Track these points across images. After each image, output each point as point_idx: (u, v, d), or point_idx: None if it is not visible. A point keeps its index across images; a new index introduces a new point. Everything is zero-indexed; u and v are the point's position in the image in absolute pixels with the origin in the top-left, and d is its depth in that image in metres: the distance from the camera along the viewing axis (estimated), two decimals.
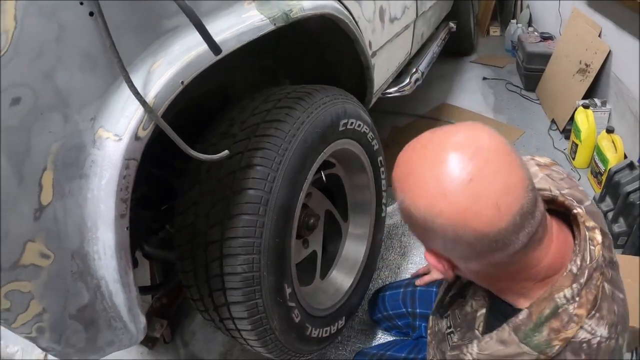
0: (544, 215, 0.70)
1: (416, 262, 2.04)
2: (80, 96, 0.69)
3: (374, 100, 1.78)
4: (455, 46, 3.90)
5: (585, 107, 2.63)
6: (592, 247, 0.74)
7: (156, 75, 0.77)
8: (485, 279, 0.81)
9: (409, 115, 3.32)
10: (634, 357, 1.69)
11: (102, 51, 0.70)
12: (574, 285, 0.72)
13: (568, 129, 2.85)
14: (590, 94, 2.91)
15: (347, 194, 1.61)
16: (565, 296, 0.72)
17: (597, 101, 2.75)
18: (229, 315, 1.07)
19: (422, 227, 0.69)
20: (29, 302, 0.68)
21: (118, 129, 0.73)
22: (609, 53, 2.74)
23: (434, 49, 2.60)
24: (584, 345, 0.72)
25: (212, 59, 0.83)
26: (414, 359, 1.40)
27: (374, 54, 1.58)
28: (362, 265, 1.62)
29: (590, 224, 0.77)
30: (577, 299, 0.71)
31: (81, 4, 0.66)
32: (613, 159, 2.31)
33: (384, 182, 1.66)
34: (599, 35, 2.85)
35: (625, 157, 2.36)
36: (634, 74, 2.45)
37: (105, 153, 0.72)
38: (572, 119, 2.81)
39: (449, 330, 1.00)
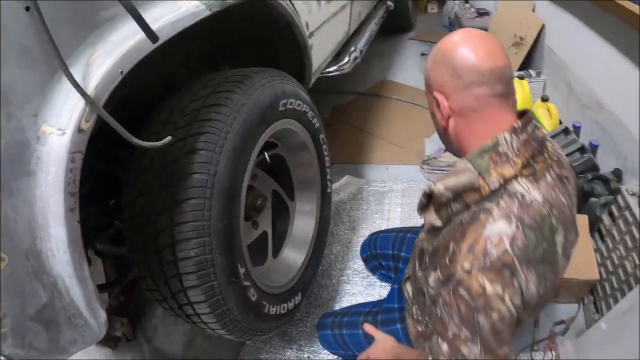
0: (514, 92, 0.94)
1: (364, 235, 2.09)
2: (21, 93, 0.68)
3: (313, 80, 1.80)
4: (393, 24, 3.95)
5: (521, 77, 2.75)
6: (537, 130, 0.93)
7: (95, 66, 0.76)
8: (458, 134, 0.98)
9: (350, 93, 3.35)
10: (580, 308, 1.85)
11: (40, 46, 0.69)
12: (514, 135, 0.90)
13: None
14: (525, 65, 3.07)
15: (292, 173, 1.64)
16: (505, 137, 0.89)
17: (532, 72, 2.89)
18: (187, 301, 1.08)
19: (439, 62, 0.95)
20: None
21: (61, 123, 0.72)
22: (543, 27, 2.90)
23: (372, 27, 2.64)
24: (519, 195, 0.87)
25: (150, 47, 0.83)
26: (377, 312, 1.48)
27: (311, 34, 1.60)
28: (313, 241, 1.66)
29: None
30: (514, 149, 0.89)
31: None
32: (549, 126, 2.46)
33: (327, 159, 1.69)
34: (533, 11, 3.00)
35: (560, 123, 2.52)
36: (566, 46, 2.62)
37: (50, 148, 0.72)
38: None
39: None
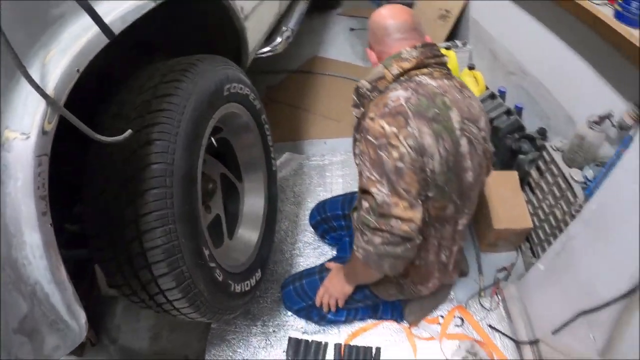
0: (419, 35, 1.31)
1: (309, 208, 2.15)
2: None
3: (249, 62, 1.81)
4: (322, 0, 3.94)
5: (448, 48, 2.86)
6: (437, 51, 1.29)
7: (52, 66, 0.75)
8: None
9: (283, 72, 3.33)
10: (519, 254, 2.02)
11: None
12: (414, 49, 1.24)
13: None
14: (452, 36, 3.16)
15: (238, 155, 1.67)
16: (406, 50, 1.24)
17: (459, 42, 2.98)
18: (159, 290, 1.09)
19: (372, 31, 1.34)
20: None
21: (24, 127, 0.70)
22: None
23: (302, 6, 2.63)
24: (416, 79, 1.22)
25: (103, 42, 0.82)
26: (331, 260, 1.67)
27: (246, 17, 1.60)
28: (264, 219, 1.71)
29: None
30: (414, 56, 1.23)
31: None
32: (476, 92, 2.59)
33: (269, 138, 1.73)
34: None
35: (487, 88, 2.66)
36: (490, 18, 2.75)
37: (16, 154, 0.70)
38: None
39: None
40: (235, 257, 1.51)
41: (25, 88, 0.70)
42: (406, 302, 1.71)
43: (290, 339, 1.70)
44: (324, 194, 2.28)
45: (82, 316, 0.84)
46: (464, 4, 3.01)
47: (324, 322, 1.71)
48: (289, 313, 1.78)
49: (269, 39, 2.07)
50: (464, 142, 1.22)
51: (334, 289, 1.56)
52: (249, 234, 1.66)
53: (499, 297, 1.83)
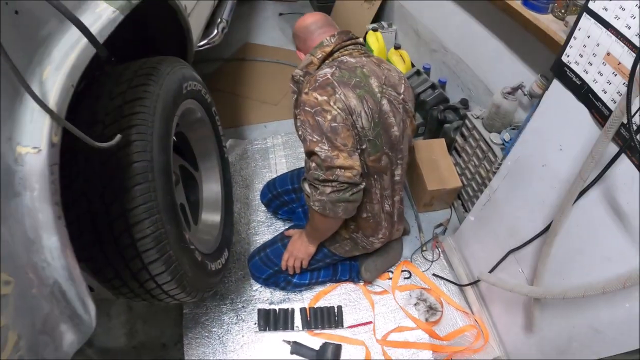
0: (331, 28, 1.54)
1: (259, 189, 2.25)
2: None
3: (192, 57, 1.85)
4: None
5: (375, 30, 2.97)
6: (354, 38, 1.53)
7: (50, 83, 0.80)
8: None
9: (216, 61, 3.31)
10: (452, 211, 2.22)
11: (3, 71, 0.70)
12: (332, 37, 1.49)
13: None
14: (377, 18, 3.26)
15: (193, 146, 1.73)
16: (327, 38, 1.48)
17: (384, 24, 3.10)
18: (149, 276, 1.16)
19: (297, 36, 1.57)
20: (7, 335, 0.67)
21: (34, 142, 0.75)
22: None
23: None
24: (338, 60, 1.46)
25: (89, 57, 0.88)
26: (289, 228, 1.84)
27: (189, 15, 1.64)
28: (223, 201, 1.79)
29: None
30: (329, 43, 1.47)
31: None
32: (403, 69, 2.75)
33: (220, 128, 1.80)
34: None
35: (413, 66, 2.81)
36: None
37: (30, 167, 0.74)
38: (364, 41, 3.09)
39: None
40: (205, 239, 1.60)
41: (29, 106, 0.75)
42: (362, 261, 1.88)
43: (259, 310, 1.81)
44: (269, 175, 2.38)
45: (93, 308, 0.89)
46: None
47: (290, 286, 1.84)
48: (255, 287, 1.89)
49: (205, 31, 2.10)
50: (384, 102, 1.44)
51: (298, 251, 1.70)
52: (212, 217, 1.74)
53: (439, 250, 2.04)
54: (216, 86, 2.97)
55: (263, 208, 2.19)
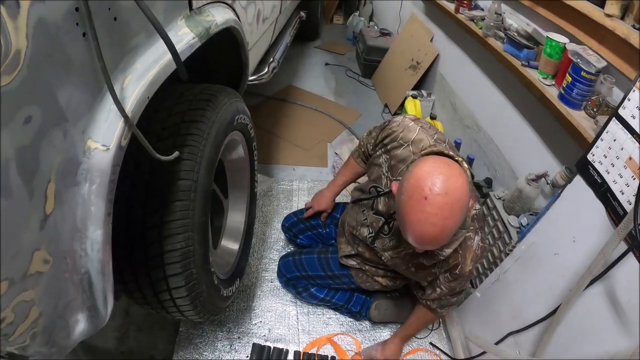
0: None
1: (277, 227, 2.25)
2: (75, 111, 0.71)
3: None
4: (302, 32, 3.95)
5: (414, 97, 3.03)
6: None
7: (129, 91, 0.83)
8: None
9: (258, 96, 3.34)
10: None
11: (90, 69, 0.73)
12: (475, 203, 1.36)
13: (398, 113, 3.18)
14: (418, 86, 3.30)
15: (228, 174, 1.74)
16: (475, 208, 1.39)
17: (424, 92, 3.14)
18: (166, 287, 1.15)
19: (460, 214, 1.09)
20: (30, 309, 0.68)
21: (105, 140, 0.77)
22: (437, 55, 3.15)
23: (287, 38, 2.71)
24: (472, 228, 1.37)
25: (166, 75, 0.91)
26: (326, 250, 1.85)
27: (250, 50, 1.69)
28: (244, 233, 1.79)
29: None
30: (476, 207, 1.37)
31: (77, 24, 0.68)
32: None
33: (256, 162, 1.82)
34: (431, 40, 3.23)
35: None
36: (455, 74, 2.92)
37: (95, 161, 0.76)
38: (402, 105, 3.16)
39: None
40: (221, 265, 1.59)
41: (107, 107, 0.77)
42: (376, 299, 1.88)
43: (254, 344, 1.77)
44: None
45: (111, 305, 0.90)
46: (434, 58, 3.15)
47: (306, 294, 1.86)
48: (254, 321, 1.86)
49: (257, 67, 2.14)
50: None
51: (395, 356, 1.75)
52: (231, 245, 1.73)
53: (440, 319, 1.99)
54: (254, 121, 2.97)
55: (277, 247, 2.18)
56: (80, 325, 0.85)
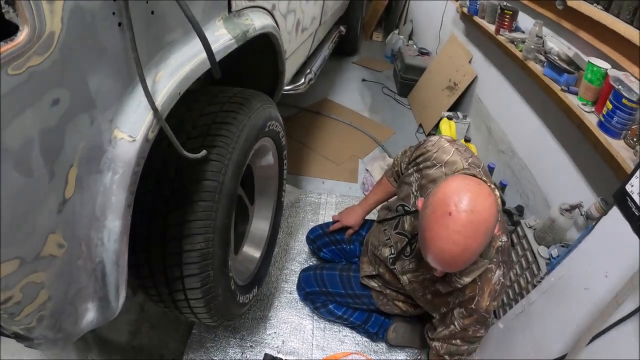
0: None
1: (301, 239, 2.22)
2: (104, 99, 0.71)
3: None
4: (340, 47, 3.96)
5: (450, 118, 2.98)
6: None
7: (160, 86, 0.82)
8: None
9: (293, 107, 3.35)
10: None
11: (123, 58, 0.73)
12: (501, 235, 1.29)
13: (432, 134, 3.14)
14: (454, 107, 3.25)
15: (255, 181, 1.73)
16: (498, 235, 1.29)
17: (460, 114, 3.09)
18: (181, 287, 1.14)
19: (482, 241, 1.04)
20: (39, 292, 0.68)
21: (133, 131, 0.77)
22: (475, 78, 3.10)
23: (326, 51, 2.71)
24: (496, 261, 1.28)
25: (201, 72, 0.90)
26: (348, 267, 1.81)
27: (287, 59, 1.69)
28: (267, 242, 1.77)
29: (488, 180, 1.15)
30: (503, 239, 1.30)
31: (113, 13, 0.68)
32: None
33: (285, 172, 1.81)
34: (470, 62, 3.18)
35: None
36: (492, 97, 2.86)
37: (120, 151, 0.76)
38: (437, 126, 3.10)
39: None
40: (240, 271, 1.57)
41: (137, 98, 0.77)
42: (395, 322, 1.82)
43: (266, 354, 1.73)
44: None
45: (122, 297, 0.88)
46: (472, 80, 3.10)
47: (324, 309, 1.81)
48: (268, 332, 1.82)
49: (294, 78, 2.13)
50: None
51: None
52: (252, 252, 1.71)
53: None
54: (287, 131, 2.98)
55: (300, 258, 2.15)
56: (90, 315, 0.85)
